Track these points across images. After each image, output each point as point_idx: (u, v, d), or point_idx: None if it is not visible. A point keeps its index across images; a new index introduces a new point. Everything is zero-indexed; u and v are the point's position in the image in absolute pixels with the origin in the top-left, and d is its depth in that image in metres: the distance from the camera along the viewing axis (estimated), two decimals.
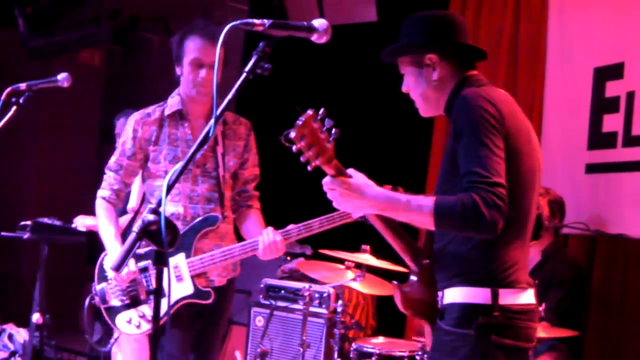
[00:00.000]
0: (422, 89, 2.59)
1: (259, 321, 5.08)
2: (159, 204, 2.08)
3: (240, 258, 3.42)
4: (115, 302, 3.42)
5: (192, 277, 3.37)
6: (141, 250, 3.44)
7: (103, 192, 3.50)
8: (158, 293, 2.14)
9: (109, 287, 3.43)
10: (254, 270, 6.10)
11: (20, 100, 3.35)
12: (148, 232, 2.09)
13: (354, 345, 4.34)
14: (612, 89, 4.64)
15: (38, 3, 6.83)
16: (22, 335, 5.88)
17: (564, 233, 4.77)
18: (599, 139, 4.71)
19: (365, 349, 4.27)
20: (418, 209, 2.33)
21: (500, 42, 5.40)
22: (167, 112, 3.46)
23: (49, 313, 4.63)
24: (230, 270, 3.56)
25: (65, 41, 7.05)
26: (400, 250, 2.65)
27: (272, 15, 2.41)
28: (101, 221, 3.46)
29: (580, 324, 4.35)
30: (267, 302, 5.04)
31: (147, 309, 3.37)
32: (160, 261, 2.15)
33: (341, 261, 4.43)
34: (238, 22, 2.22)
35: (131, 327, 3.38)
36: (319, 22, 2.34)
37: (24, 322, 5.47)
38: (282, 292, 5.05)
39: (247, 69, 2.28)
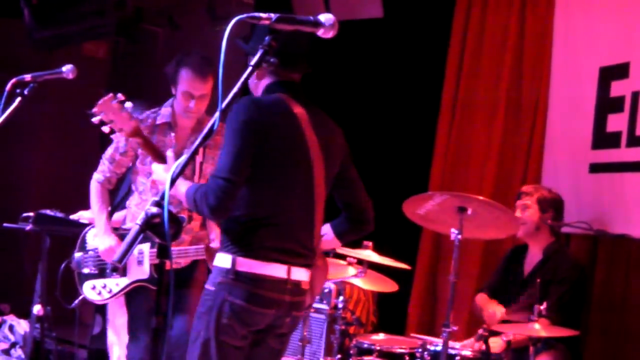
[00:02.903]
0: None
1: None
2: (163, 197, 2.08)
3: (194, 258, 3.83)
4: (86, 270, 3.93)
5: (151, 265, 3.76)
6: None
7: (98, 176, 3.97)
8: (160, 286, 2.14)
9: (84, 257, 3.95)
10: None
11: (25, 92, 3.35)
12: (151, 225, 2.08)
13: (354, 342, 4.34)
14: (617, 88, 4.63)
15: None
16: (22, 326, 5.88)
17: (566, 232, 4.76)
18: (603, 138, 4.70)
19: (365, 345, 4.28)
20: (182, 193, 2.82)
21: (506, 41, 5.39)
22: (158, 121, 3.88)
23: (50, 305, 4.63)
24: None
25: (70, 33, 7.03)
26: None
27: (278, 9, 2.40)
28: (94, 199, 3.95)
29: (581, 324, 4.35)
30: None
31: (109, 282, 3.86)
32: (163, 254, 2.15)
33: (343, 257, 4.43)
34: (244, 15, 2.21)
35: (93, 293, 3.89)
36: (325, 17, 2.33)
37: (25, 313, 5.47)
38: None
39: (253, 62, 2.28)
